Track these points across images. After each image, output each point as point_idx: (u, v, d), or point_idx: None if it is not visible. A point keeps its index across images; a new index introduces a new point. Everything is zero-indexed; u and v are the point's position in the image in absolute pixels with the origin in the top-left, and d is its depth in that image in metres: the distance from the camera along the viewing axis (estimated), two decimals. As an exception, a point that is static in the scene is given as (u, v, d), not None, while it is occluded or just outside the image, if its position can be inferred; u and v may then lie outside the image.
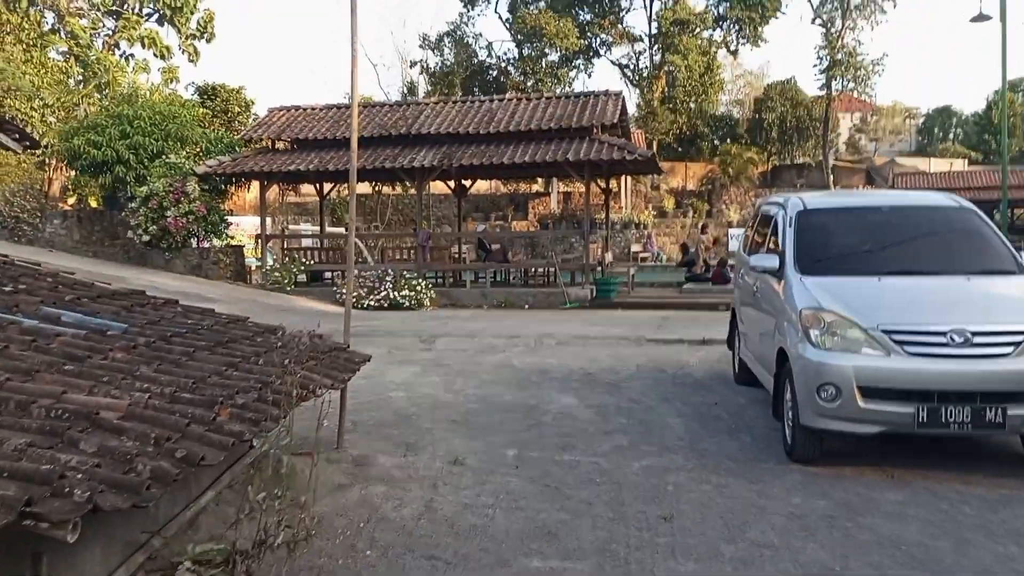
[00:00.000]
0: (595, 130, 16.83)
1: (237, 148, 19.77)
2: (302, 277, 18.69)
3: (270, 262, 18.79)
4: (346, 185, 35.15)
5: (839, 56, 40.61)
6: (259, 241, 19.02)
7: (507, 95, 21.36)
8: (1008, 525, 4.45)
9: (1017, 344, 4.84)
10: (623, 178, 36.39)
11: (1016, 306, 5.32)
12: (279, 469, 4.52)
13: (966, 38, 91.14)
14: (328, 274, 19.35)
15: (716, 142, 46.34)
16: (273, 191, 21.67)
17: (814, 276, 5.61)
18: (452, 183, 20.66)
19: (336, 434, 5.85)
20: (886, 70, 72.06)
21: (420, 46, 44.33)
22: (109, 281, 6.37)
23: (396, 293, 16.26)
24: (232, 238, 19.84)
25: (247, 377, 4.23)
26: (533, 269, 18.77)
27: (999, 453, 5.87)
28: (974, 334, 4.85)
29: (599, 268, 17.67)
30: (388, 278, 16.62)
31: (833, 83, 41.91)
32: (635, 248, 35.24)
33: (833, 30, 41.37)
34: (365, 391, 7.74)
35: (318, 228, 29.68)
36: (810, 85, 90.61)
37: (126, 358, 4.01)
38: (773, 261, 6.00)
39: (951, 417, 4.77)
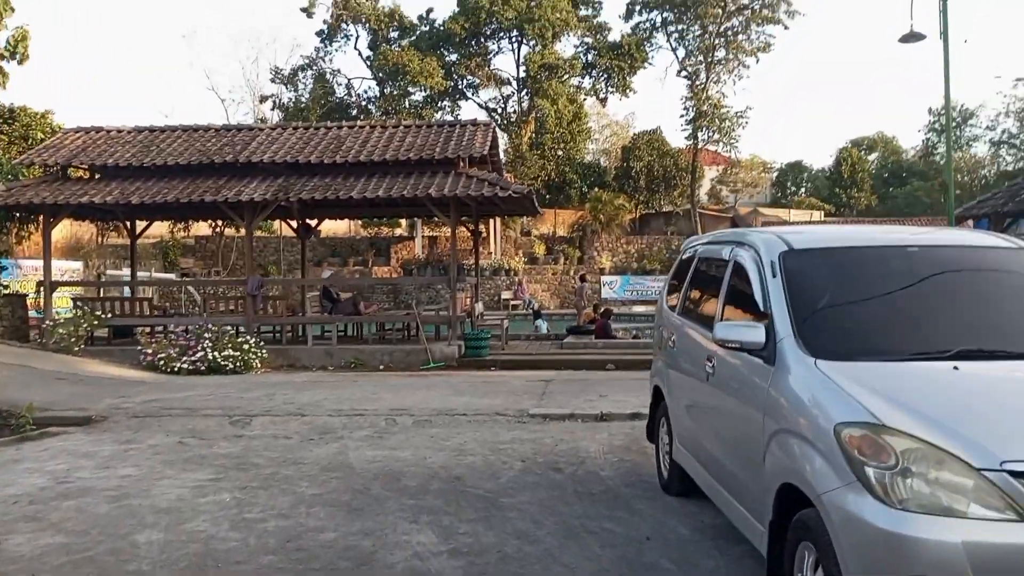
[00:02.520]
0: (462, 163, 14.48)
1: (21, 176, 16.03)
2: (103, 333, 15.11)
3: (58, 315, 15.05)
4: (184, 224, 31.24)
5: (704, 108, 40.72)
6: (42, 290, 15.25)
7: (359, 122, 18.69)
8: None
9: None
10: (492, 222, 34.43)
11: None
12: None
13: (814, 97, 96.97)
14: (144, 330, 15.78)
15: (585, 189, 45.48)
16: (88, 230, 17.98)
17: (837, 360, 3.29)
18: (296, 223, 17.64)
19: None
20: (749, 122, 74.96)
21: (272, 80, 41.06)
22: None
23: (216, 354, 13.07)
24: (5, 287, 15.93)
25: None
26: (392, 323, 16.00)
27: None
28: None
29: (468, 320, 15.19)
30: (207, 335, 13.42)
31: (699, 134, 41.97)
32: (506, 295, 33.16)
33: (698, 82, 41.56)
34: (91, 534, 4.83)
35: (147, 273, 25.75)
36: (675, 136, 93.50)
37: None
38: (756, 333, 3.64)
39: None
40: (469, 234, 18.63)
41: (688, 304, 5.28)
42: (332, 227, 37.02)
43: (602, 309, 17.40)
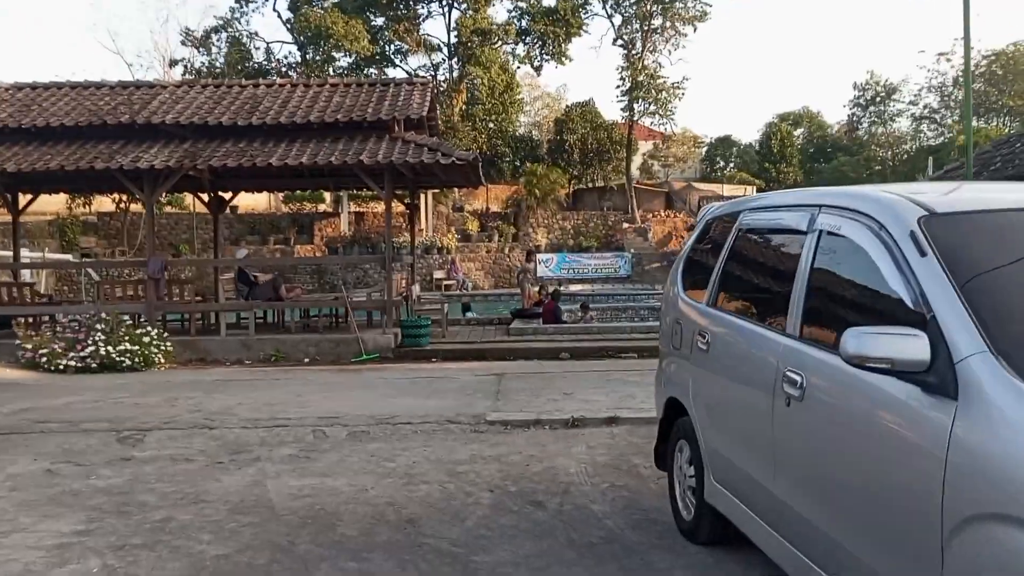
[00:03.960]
0: (397, 126, 12.84)
1: None
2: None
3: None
4: (84, 199, 28.41)
5: (641, 78, 39.66)
6: None
7: (278, 79, 16.71)
8: None
9: None
10: (423, 197, 32.69)
11: None
12: None
13: (741, 72, 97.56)
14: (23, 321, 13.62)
15: (517, 163, 44.04)
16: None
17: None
18: (207, 195, 15.64)
19: None
20: (686, 94, 74.57)
21: (183, 43, 38.02)
22: None
23: (111, 348, 11.19)
24: None
25: None
26: (318, 309, 14.28)
27: None
28: None
29: (405, 305, 13.63)
30: (100, 326, 11.51)
31: (635, 105, 40.91)
32: (438, 275, 31.52)
33: (634, 52, 40.43)
34: None
35: (39, 254, 23.13)
36: (609, 108, 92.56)
37: None
38: (917, 347, 2.29)
39: None
40: (404, 207, 17.00)
41: (730, 295, 3.92)
42: (251, 203, 34.64)
43: (551, 289, 16.08)
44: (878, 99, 63.75)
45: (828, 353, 2.76)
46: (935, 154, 53.07)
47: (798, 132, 63.54)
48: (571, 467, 5.97)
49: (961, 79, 59.75)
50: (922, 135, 62.53)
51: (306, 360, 12.23)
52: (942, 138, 59.64)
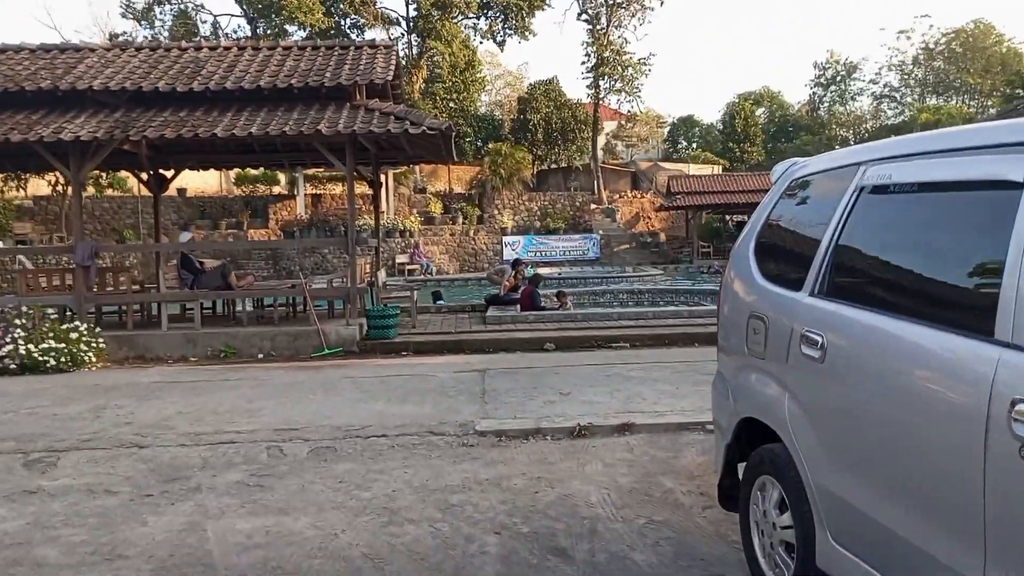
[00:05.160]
0: (359, 94, 11.49)
1: None
2: None
3: None
4: (16, 181, 26.34)
5: (606, 54, 38.51)
6: None
7: (223, 42, 15.11)
8: None
9: None
10: (384, 177, 31.23)
11: None
12: None
13: (705, 51, 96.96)
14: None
15: (479, 143, 42.65)
16: None
17: None
18: (145, 173, 14.06)
19: None
20: (652, 71, 73.67)
21: (124, 15, 35.74)
22: None
23: (32, 346, 9.73)
24: None
25: None
26: (273, 298, 12.86)
27: None
28: None
29: (370, 292, 12.35)
30: (19, 321, 10.03)
31: (600, 82, 39.76)
32: (401, 259, 30.16)
33: (599, 27, 39.24)
34: None
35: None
36: (572, 87, 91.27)
37: None
38: None
39: None
40: (368, 186, 15.64)
41: (862, 282, 2.78)
42: (200, 185, 32.82)
43: (530, 273, 14.88)
44: (839, 78, 63.58)
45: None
46: (897, 132, 53.16)
47: (759, 112, 63.08)
48: (591, 494, 4.82)
49: (922, 56, 59.92)
50: (883, 114, 62.60)
51: (260, 356, 10.89)
52: (902, 117, 59.74)
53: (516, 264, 15.06)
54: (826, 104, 64.65)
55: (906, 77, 61.59)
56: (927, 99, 59.97)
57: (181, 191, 31.86)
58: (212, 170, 15.28)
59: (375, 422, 6.68)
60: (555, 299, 14.20)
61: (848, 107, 63.37)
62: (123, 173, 23.33)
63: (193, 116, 11.04)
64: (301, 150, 12.95)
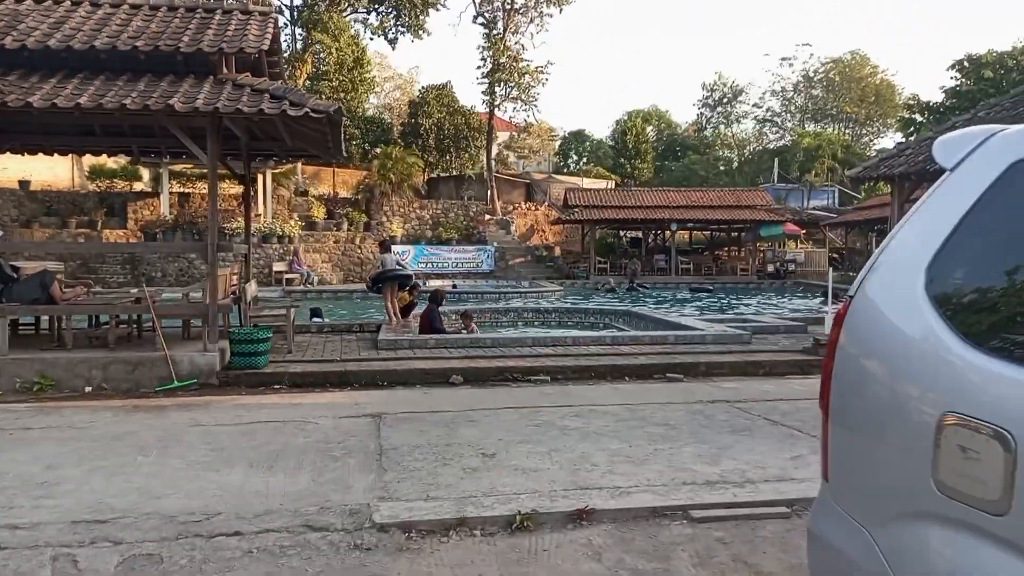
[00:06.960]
0: (225, 65, 9.33)
1: None
2: None
3: None
4: None
5: (503, 60, 37.15)
6: None
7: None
8: None
9: None
10: (261, 177, 28.59)
11: None
12: None
13: (594, 66, 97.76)
14: None
15: (367, 147, 40.31)
16: None
17: None
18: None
19: None
20: (549, 79, 72.97)
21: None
22: None
23: None
24: None
25: None
26: (110, 316, 10.36)
27: None
28: None
29: (236, 308, 10.14)
30: None
31: (496, 88, 38.34)
32: (279, 268, 27.52)
33: (496, 32, 37.84)
34: None
35: None
36: (466, 93, 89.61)
37: None
38: None
39: None
40: (238, 181, 13.34)
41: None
42: (48, 178, 29.08)
43: (429, 289, 13.01)
44: (725, 100, 64.96)
45: None
46: (779, 156, 54.46)
47: (648, 129, 63.55)
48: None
49: (802, 84, 62.01)
50: (765, 137, 64.38)
51: (88, 389, 8.53)
52: (783, 141, 61.54)
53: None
54: (712, 125, 65.96)
55: (787, 103, 63.56)
56: (806, 125, 61.99)
57: (24, 183, 28.08)
58: (43, 155, 12.57)
59: (228, 506, 4.68)
60: (459, 319, 12.40)
61: (733, 129, 64.86)
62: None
63: (6, 81, 8.59)
64: (154, 134, 10.61)
